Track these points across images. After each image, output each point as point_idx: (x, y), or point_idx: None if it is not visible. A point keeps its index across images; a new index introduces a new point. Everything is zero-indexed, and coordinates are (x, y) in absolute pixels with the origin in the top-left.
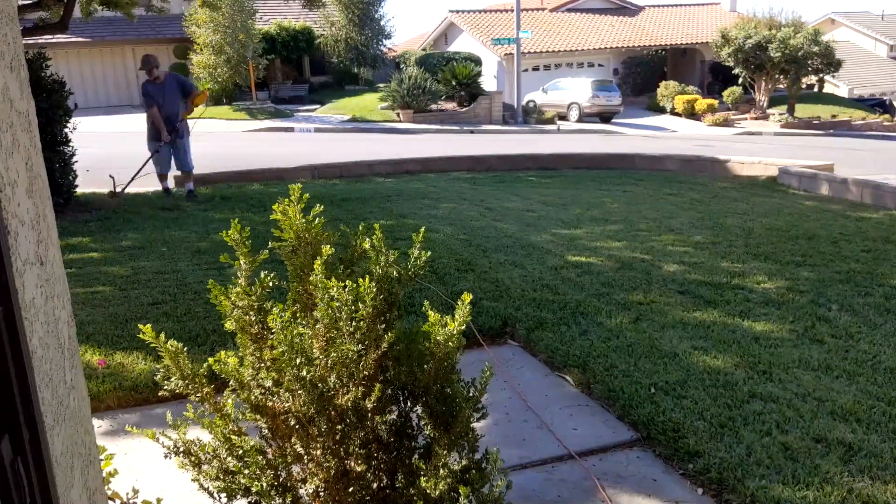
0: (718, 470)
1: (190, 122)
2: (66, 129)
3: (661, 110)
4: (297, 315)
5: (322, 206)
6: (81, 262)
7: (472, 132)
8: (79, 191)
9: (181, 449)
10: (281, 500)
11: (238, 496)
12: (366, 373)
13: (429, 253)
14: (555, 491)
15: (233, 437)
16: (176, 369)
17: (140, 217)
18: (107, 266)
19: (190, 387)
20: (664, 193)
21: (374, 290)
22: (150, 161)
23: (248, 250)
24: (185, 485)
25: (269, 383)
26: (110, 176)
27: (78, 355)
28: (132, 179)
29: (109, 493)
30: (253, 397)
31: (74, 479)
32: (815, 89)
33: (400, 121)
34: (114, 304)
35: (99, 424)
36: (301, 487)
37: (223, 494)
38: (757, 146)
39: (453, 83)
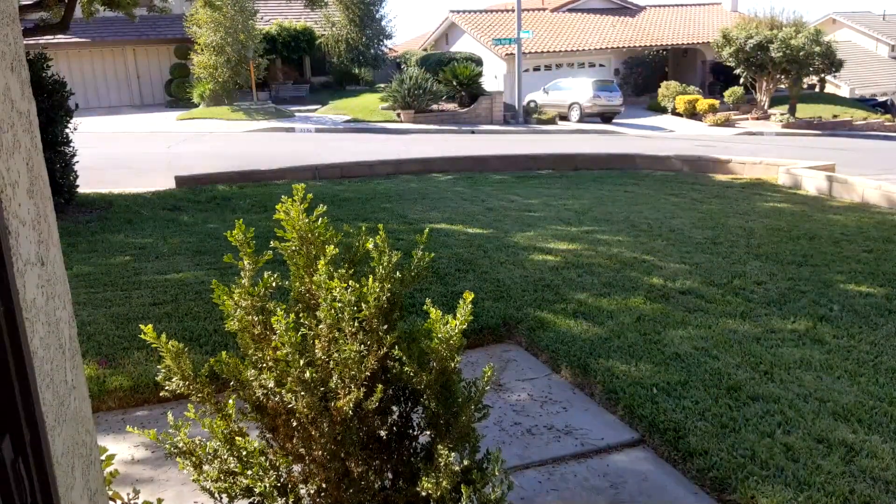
0: (720, 470)
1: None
2: (67, 130)
3: (663, 110)
4: (300, 315)
5: (325, 207)
6: (82, 262)
7: (472, 132)
8: (79, 191)
9: (183, 449)
10: (283, 501)
11: (239, 497)
12: (367, 373)
13: (432, 254)
14: (556, 492)
15: (236, 438)
16: (177, 370)
17: (140, 218)
18: (108, 266)
19: (191, 387)
20: (665, 193)
21: (377, 290)
22: None
23: (251, 251)
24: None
25: (271, 384)
26: None
27: (79, 355)
28: None
29: (110, 493)
30: (255, 397)
31: (75, 479)
32: (817, 89)
33: (401, 121)
34: (115, 304)
35: (99, 424)
36: (302, 487)
37: (224, 495)
38: (758, 146)
39: (454, 83)
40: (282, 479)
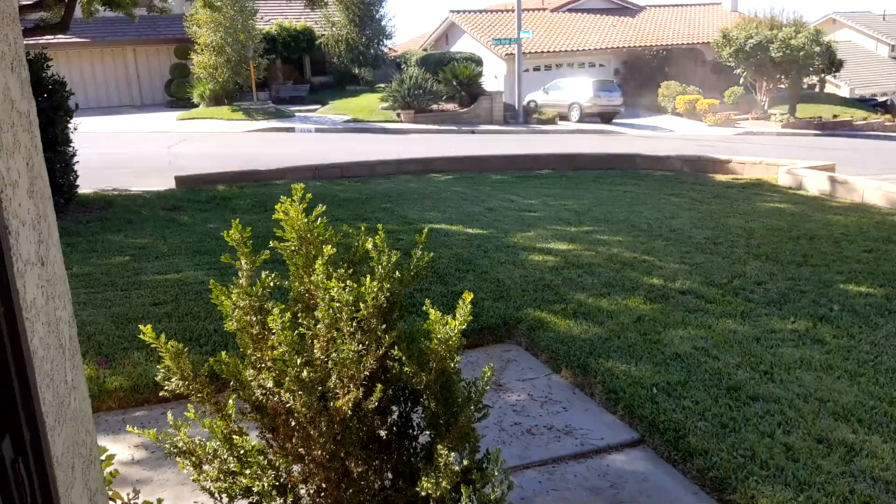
0: (720, 470)
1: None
2: (67, 130)
3: (663, 110)
4: (299, 315)
5: (324, 207)
6: (82, 262)
7: (472, 132)
8: (79, 191)
9: (182, 449)
10: (282, 501)
11: (239, 497)
12: (366, 373)
13: (431, 254)
14: (556, 492)
15: (234, 437)
16: (177, 370)
17: (140, 218)
18: (107, 266)
19: (191, 387)
20: (665, 194)
21: (375, 290)
22: None
23: (249, 251)
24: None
25: (269, 384)
26: None
27: (79, 355)
28: None
29: (110, 493)
30: (254, 397)
31: (75, 479)
32: (817, 89)
33: (401, 121)
34: (115, 304)
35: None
36: (302, 487)
37: (224, 495)
38: (758, 146)
39: (454, 83)
40: (281, 479)
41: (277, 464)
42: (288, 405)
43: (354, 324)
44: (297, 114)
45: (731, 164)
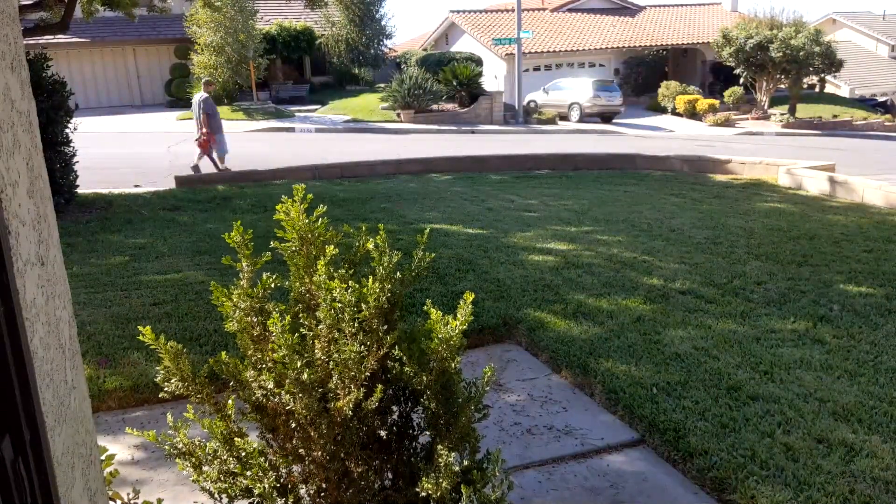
0: (720, 470)
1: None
2: (67, 130)
3: (663, 110)
4: (300, 315)
5: (325, 207)
6: (82, 262)
7: (472, 132)
8: (79, 191)
9: (182, 450)
10: (283, 502)
11: (239, 497)
12: (367, 374)
13: (433, 255)
14: (556, 492)
15: (236, 439)
16: (176, 371)
17: (140, 218)
18: (107, 266)
19: (190, 388)
20: (665, 193)
21: (377, 290)
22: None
23: (250, 252)
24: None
25: (270, 385)
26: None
27: (79, 355)
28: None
29: (110, 493)
30: (254, 398)
31: (75, 479)
32: (817, 89)
33: (400, 121)
34: (115, 304)
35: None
36: (302, 488)
37: (223, 495)
38: (758, 146)
39: (454, 83)
40: (282, 480)
41: (278, 464)
42: (288, 406)
43: (356, 324)
44: (297, 114)
45: (730, 164)
